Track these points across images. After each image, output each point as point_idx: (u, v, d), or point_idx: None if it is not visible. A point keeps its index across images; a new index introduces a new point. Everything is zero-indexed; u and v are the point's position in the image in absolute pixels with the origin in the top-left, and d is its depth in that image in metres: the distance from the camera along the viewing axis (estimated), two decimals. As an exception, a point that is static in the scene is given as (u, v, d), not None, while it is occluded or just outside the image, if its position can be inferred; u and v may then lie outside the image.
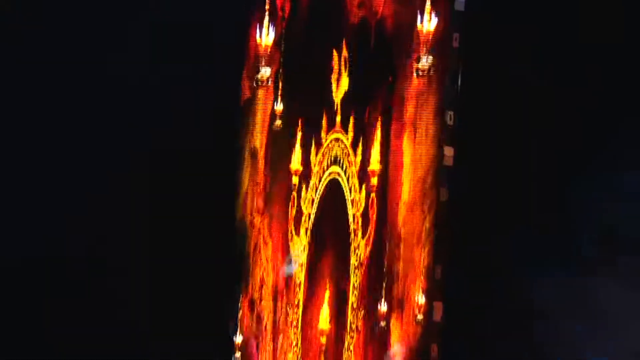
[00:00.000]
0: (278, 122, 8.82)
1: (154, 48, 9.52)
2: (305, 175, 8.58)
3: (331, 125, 8.40)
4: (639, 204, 7.12)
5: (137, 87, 9.50)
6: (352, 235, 8.11)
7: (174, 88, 9.31)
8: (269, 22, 8.91)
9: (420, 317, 7.44)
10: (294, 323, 8.53)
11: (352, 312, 8.07)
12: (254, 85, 9.02)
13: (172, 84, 9.29)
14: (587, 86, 7.40)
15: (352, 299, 8.08)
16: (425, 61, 7.57)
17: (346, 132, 8.26)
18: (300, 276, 8.59)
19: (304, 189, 8.60)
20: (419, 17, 7.64)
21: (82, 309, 9.97)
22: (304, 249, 8.56)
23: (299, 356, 8.49)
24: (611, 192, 7.24)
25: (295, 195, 8.64)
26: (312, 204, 8.52)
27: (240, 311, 9.00)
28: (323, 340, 8.23)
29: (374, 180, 7.96)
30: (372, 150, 7.99)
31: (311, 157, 8.53)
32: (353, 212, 8.12)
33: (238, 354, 8.92)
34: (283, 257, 8.79)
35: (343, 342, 8.10)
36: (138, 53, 9.66)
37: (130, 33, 9.82)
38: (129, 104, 9.66)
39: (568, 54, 7.57)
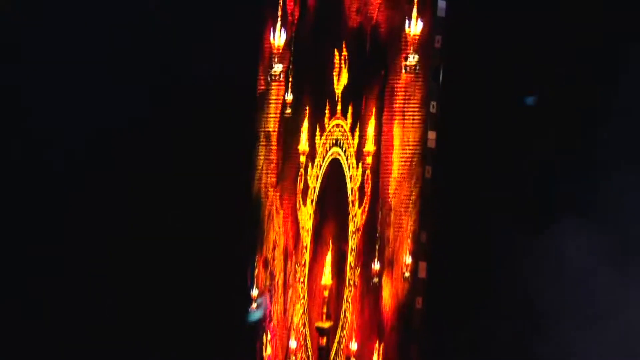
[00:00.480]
0: (288, 110, 9.15)
1: (185, 49, 9.51)
2: (311, 155, 8.92)
3: (333, 113, 8.69)
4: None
5: (175, 78, 9.59)
6: (351, 205, 8.42)
7: (203, 83, 9.39)
8: (280, 26, 9.17)
9: (407, 274, 7.68)
10: (301, 279, 8.89)
11: (350, 270, 8.36)
12: (268, 79, 9.35)
13: (202, 79, 9.37)
14: (554, 84, 7.54)
15: (350, 259, 8.36)
16: (412, 59, 7.81)
17: (346, 118, 8.55)
18: (307, 240, 8.86)
19: (310, 166, 8.94)
20: (407, 22, 7.88)
21: (119, 254, 10.07)
22: (310, 217, 8.87)
23: (305, 307, 8.79)
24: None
25: (303, 172, 8.99)
26: (317, 179, 8.82)
27: (257, 269, 9.41)
28: (326, 293, 8.56)
29: (369, 159, 8.24)
30: (367, 134, 8.32)
31: (316, 140, 8.89)
32: (351, 186, 8.41)
33: (254, 305, 9.30)
34: (292, 225, 9.12)
35: (342, 295, 8.44)
36: (170, 53, 9.68)
37: (160, 35, 9.79)
38: (170, 98, 9.65)
39: (537, 56, 7.61)
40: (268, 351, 9.21)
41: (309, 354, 8.68)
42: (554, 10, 7.52)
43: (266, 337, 9.29)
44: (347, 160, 8.52)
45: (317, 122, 8.94)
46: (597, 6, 7.20)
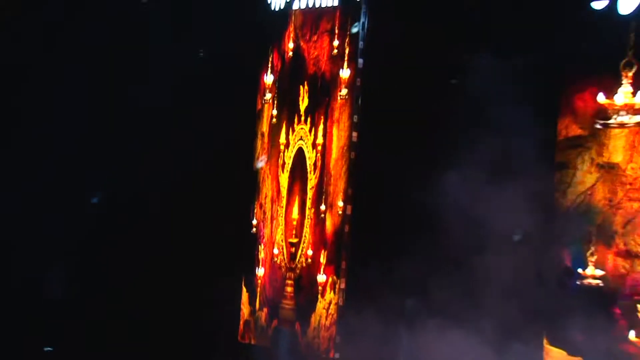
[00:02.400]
0: (274, 120, 9.43)
1: (209, 85, 9.20)
2: (287, 145, 9.25)
3: (299, 122, 9.07)
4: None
5: (200, 103, 9.30)
6: (309, 173, 8.91)
7: (228, 104, 9.18)
8: (270, 72, 9.44)
9: (340, 212, 8.35)
10: (281, 214, 9.23)
11: (308, 210, 8.88)
12: (263, 102, 9.60)
13: (221, 103, 9.15)
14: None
15: (308, 203, 8.90)
16: (344, 92, 8.52)
17: (306, 124, 8.98)
18: (284, 192, 9.18)
19: (286, 151, 9.26)
20: (341, 70, 8.54)
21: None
22: (286, 180, 9.19)
23: (283, 230, 9.14)
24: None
25: (282, 154, 9.29)
26: (290, 158, 9.18)
27: (255, 208, 9.56)
28: (294, 223, 9.01)
29: (319, 148, 8.81)
30: (318, 133, 8.85)
31: (289, 137, 9.21)
32: (309, 163, 8.91)
33: (254, 230, 9.46)
34: (276, 184, 9.36)
35: (304, 224, 8.88)
36: (198, 88, 9.34)
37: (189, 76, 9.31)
38: (204, 116, 9.25)
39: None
40: (262, 255, 9.32)
41: (284, 256, 9.03)
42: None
43: (261, 247, 9.42)
44: (307, 148, 8.98)
45: (290, 126, 9.22)
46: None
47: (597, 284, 7.22)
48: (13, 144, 9.45)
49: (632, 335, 6.95)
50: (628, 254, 7.10)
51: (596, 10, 7.39)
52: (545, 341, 7.40)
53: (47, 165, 9.37)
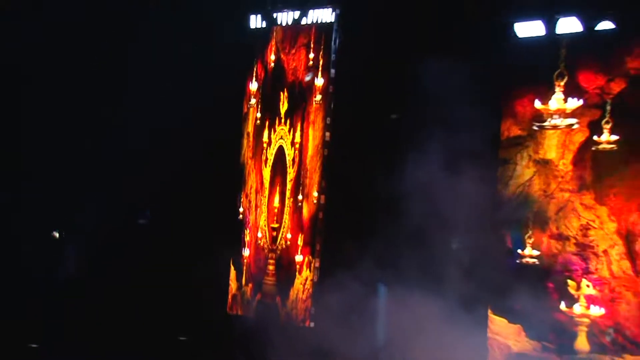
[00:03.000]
0: (258, 122, 9.32)
1: (204, 92, 8.87)
2: (269, 143, 9.14)
3: (279, 123, 9.01)
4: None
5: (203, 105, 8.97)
6: (288, 167, 8.83)
7: (213, 109, 8.90)
8: (254, 79, 9.33)
9: (315, 201, 8.36)
10: (264, 203, 9.14)
11: (287, 199, 8.82)
12: (248, 106, 9.47)
13: (212, 107, 8.88)
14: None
15: (288, 194, 8.83)
16: (319, 98, 8.52)
17: (286, 125, 8.93)
18: (266, 184, 9.09)
19: (268, 148, 9.15)
20: (316, 79, 8.54)
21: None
22: (268, 173, 9.06)
23: (265, 216, 9.05)
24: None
25: (265, 151, 9.19)
26: (272, 155, 9.08)
27: (242, 197, 9.40)
28: (275, 211, 8.94)
29: (297, 146, 8.76)
30: (296, 133, 8.80)
31: (271, 136, 9.12)
32: (288, 159, 8.84)
33: (241, 216, 9.34)
34: (260, 177, 9.20)
35: (284, 211, 8.82)
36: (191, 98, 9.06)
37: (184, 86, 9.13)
38: (187, 118, 9.00)
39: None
40: (247, 238, 9.22)
41: (267, 239, 8.97)
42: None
43: (246, 231, 9.29)
44: (286, 146, 8.90)
45: (272, 127, 9.14)
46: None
47: (534, 262, 7.40)
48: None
49: (562, 305, 7.13)
50: (560, 237, 7.28)
51: (533, 30, 7.59)
52: (489, 311, 7.54)
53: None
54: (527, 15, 7.57)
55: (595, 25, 7.19)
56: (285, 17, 8.90)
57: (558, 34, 7.39)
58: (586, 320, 7.00)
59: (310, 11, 8.58)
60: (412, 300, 6.73)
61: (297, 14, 8.77)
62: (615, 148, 6.99)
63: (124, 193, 9.02)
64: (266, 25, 9.13)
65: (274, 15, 8.99)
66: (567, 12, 7.33)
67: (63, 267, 9.37)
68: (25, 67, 9.29)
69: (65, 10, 9.15)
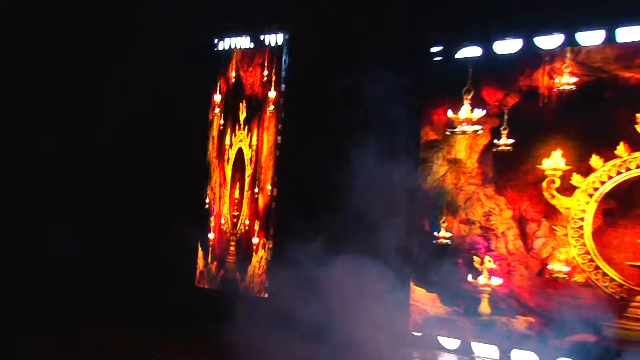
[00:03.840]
0: (221, 127, 9.15)
1: (176, 102, 8.62)
2: (230, 145, 8.99)
3: (239, 129, 8.89)
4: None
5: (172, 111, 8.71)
6: (247, 165, 8.72)
7: (184, 117, 8.76)
8: (218, 92, 9.18)
9: (269, 193, 8.34)
10: (226, 194, 8.99)
11: (246, 192, 8.71)
12: (213, 114, 9.29)
13: (183, 115, 8.73)
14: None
15: (246, 187, 8.72)
16: (272, 107, 8.45)
17: (244, 130, 8.82)
18: (228, 179, 8.94)
19: (229, 149, 9.00)
20: (269, 92, 8.50)
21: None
22: (230, 170, 8.92)
23: (227, 205, 8.92)
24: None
25: (227, 151, 9.03)
26: (233, 155, 8.92)
27: (207, 190, 9.22)
28: (236, 201, 8.82)
29: (254, 147, 8.65)
30: (253, 137, 8.69)
31: (232, 139, 8.98)
32: (246, 158, 8.73)
33: (207, 206, 9.16)
34: (223, 173, 9.03)
35: (242, 201, 8.71)
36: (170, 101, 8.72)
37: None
38: (163, 123, 8.71)
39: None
40: (212, 224, 9.07)
41: (229, 225, 8.84)
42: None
43: (212, 218, 9.15)
44: (245, 147, 8.77)
45: (232, 132, 8.99)
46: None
47: (447, 242, 7.56)
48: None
49: (469, 277, 7.34)
50: (467, 222, 7.47)
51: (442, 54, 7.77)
52: (412, 282, 7.67)
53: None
54: (443, 42, 7.70)
55: (494, 51, 7.45)
56: (243, 41, 8.85)
57: (466, 58, 7.60)
58: (488, 288, 7.22)
59: (264, 36, 8.56)
60: (350, 274, 6.72)
61: (252, 38, 8.76)
62: (511, 149, 7.22)
63: (108, 185, 8.79)
64: (228, 48, 9.00)
65: (235, 39, 8.93)
66: (473, 42, 7.56)
67: (48, 245, 9.05)
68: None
69: (29, 33, 8.75)
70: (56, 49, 8.76)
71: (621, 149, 6.54)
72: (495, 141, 7.31)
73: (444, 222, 7.61)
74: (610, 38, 6.73)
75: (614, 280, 6.52)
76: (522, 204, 7.13)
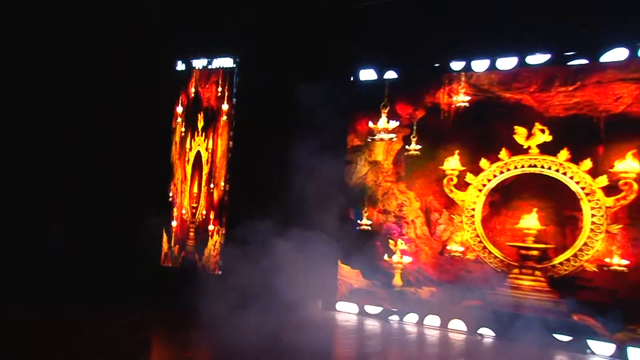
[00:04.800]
0: (182, 134, 8.77)
1: (145, 114, 8.27)
2: (190, 148, 8.67)
3: (198, 135, 8.58)
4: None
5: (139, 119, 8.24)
6: (204, 165, 8.44)
7: (152, 125, 8.47)
8: (180, 104, 8.82)
9: (222, 188, 8.14)
10: (187, 186, 8.68)
11: (203, 187, 8.42)
12: (176, 123, 8.88)
13: (151, 124, 8.39)
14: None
15: (203, 183, 8.43)
16: (225, 117, 8.21)
17: (202, 136, 8.51)
18: (189, 176, 8.63)
19: (189, 152, 8.68)
20: (223, 104, 8.25)
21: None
22: (189, 169, 8.63)
23: (188, 199, 8.63)
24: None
25: (187, 154, 8.69)
26: (192, 157, 8.61)
27: (171, 186, 8.82)
28: (195, 195, 8.53)
29: (210, 150, 8.39)
30: (209, 142, 8.39)
31: (192, 143, 8.66)
32: (204, 159, 8.44)
33: (170, 199, 8.81)
34: (184, 172, 8.71)
35: (200, 195, 8.44)
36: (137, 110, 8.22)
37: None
38: (134, 131, 8.25)
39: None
40: (175, 213, 8.76)
41: (189, 214, 8.57)
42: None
43: (175, 209, 8.77)
44: (202, 151, 8.50)
45: (192, 137, 8.68)
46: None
47: (368, 228, 7.63)
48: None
49: (385, 256, 7.43)
50: (384, 212, 7.56)
51: (369, 75, 7.78)
52: (339, 261, 7.73)
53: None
54: (365, 65, 7.75)
55: (406, 74, 7.54)
56: (201, 63, 8.65)
57: (384, 79, 7.67)
58: (400, 265, 7.34)
59: (219, 59, 8.42)
60: (289, 255, 6.56)
61: (208, 61, 8.58)
62: (419, 153, 7.34)
63: (89, 183, 8.34)
64: (188, 68, 8.78)
65: (194, 61, 8.74)
66: (390, 67, 7.62)
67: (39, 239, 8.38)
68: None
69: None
70: (34, 63, 8.29)
71: (503, 153, 6.77)
72: (407, 147, 7.43)
73: (365, 212, 7.67)
74: (493, 66, 6.95)
75: (497, 257, 6.76)
76: (427, 197, 7.27)
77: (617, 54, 6.21)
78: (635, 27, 5.91)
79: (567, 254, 6.30)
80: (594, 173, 6.24)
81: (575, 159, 6.34)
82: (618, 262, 5.99)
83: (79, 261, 8.03)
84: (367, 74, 7.82)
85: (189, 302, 6.75)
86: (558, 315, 6.27)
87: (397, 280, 7.35)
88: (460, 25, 6.74)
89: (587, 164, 6.27)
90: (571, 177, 6.35)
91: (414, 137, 7.39)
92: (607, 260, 6.07)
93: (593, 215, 6.20)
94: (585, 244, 6.21)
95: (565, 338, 6.22)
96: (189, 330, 6.13)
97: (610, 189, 6.14)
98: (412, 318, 7.24)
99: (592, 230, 6.20)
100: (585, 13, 6.05)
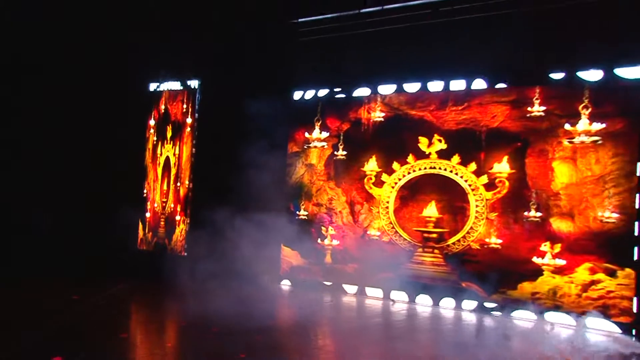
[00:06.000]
0: (154, 142, 8.46)
1: (124, 126, 8.12)
2: (160, 154, 8.36)
3: (167, 143, 8.28)
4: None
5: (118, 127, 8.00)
6: (172, 167, 8.14)
7: (131, 136, 8.36)
8: (153, 118, 8.52)
9: (187, 186, 7.82)
10: (158, 184, 8.37)
11: (171, 185, 8.13)
12: (149, 133, 8.57)
13: (130, 135, 8.32)
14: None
15: (172, 182, 8.13)
16: (189, 129, 7.90)
17: (171, 144, 8.21)
18: (159, 175, 8.35)
19: (160, 156, 8.38)
20: (187, 118, 7.94)
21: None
22: (159, 170, 8.32)
23: (158, 193, 8.32)
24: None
25: (159, 157, 8.39)
26: (162, 160, 8.30)
27: (145, 184, 8.50)
28: (165, 191, 8.24)
29: (177, 155, 8.07)
30: (176, 149, 8.09)
31: (162, 150, 8.34)
32: (172, 163, 8.14)
33: (144, 195, 8.50)
34: (155, 172, 8.41)
35: (169, 191, 8.15)
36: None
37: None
38: (115, 141, 7.97)
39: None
40: (149, 206, 8.45)
41: (160, 207, 8.27)
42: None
43: (148, 202, 8.46)
44: (171, 156, 8.18)
45: (162, 146, 8.36)
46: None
47: (305, 218, 7.50)
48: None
49: (319, 240, 7.32)
50: (318, 204, 7.44)
51: (307, 95, 7.64)
52: (282, 244, 7.57)
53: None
54: (303, 88, 7.61)
55: (335, 95, 7.44)
56: (170, 85, 8.32)
57: (318, 97, 7.55)
58: (330, 247, 7.26)
59: (184, 82, 8.13)
60: (241, 240, 6.38)
61: (177, 83, 8.26)
62: (345, 158, 7.29)
63: (80, 182, 7.89)
64: (159, 89, 8.43)
65: (164, 84, 8.42)
66: (321, 87, 7.50)
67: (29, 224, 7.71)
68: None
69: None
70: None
71: (410, 158, 6.80)
72: (335, 152, 7.38)
73: (302, 205, 7.57)
74: (400, 89, 6.98)
75: (406, 239, 6.78)
76: (351, 192, 7.23)
77: (490, 82, 6.38)
78: (496, 65, 6.10)
79: (458, 236, 6.37)
80: (477, 173, 6.33)
81: (464, 162, 6.41)
82: (495, 241, 6.12)
83: (69, 244, 7.64)
84: (305, 95, 7.73)
85: (160, 277, 6.64)
86: (451, 282, 6.36)
87: (328, 259, 7.28)
88: (375, 58, 6.82)
89: (473, 166, 6.34)
90: (461, 177, 6.41)
91: (340, 144, 7.33)
92: (487, 240, 6.18)
93: (477, 206, 6.29)
94: (471, 228, 6.29)
95: (456, 299, 6.34)
96: (161, 300, 6.01)
97: (489, 186, 6.24)
98: (339, 288, 7.17)
99: (476, 217, 6.28)
100: (467, 53, 6.16)
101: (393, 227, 6.87)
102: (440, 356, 4.38)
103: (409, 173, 6.80)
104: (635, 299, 5.26)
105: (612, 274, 5.39)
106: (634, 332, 5.25)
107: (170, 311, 5.72)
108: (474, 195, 6.31)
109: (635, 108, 5.37)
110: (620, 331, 5.31)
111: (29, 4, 7.18)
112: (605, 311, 5.39)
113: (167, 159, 8.33)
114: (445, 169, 6.52)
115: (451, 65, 6.36)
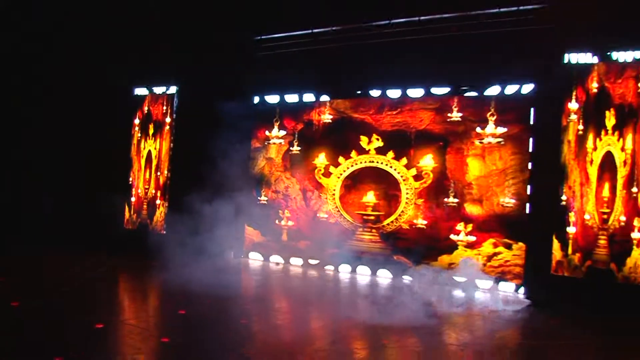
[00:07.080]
0: (139, 138, 7.75)
1: (114, 125, 7.64)
2: (144, 149, 7.71)
3: (150, 138, 7.66)
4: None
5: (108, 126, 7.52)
6: (154, 159, 7.59)
7: (118, 133, 7.75)
8: (137, 118, 7.81)
9: (166, 175, 7.39)
10: (141, 173, 7.75)
11: (153, 174, 7.57)
12: (134, 130, 7.82)
13: (117, 135, 7.74)
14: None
15: (153, 171, 7.58)
16: (168, 127, 7.42)
17: (152, 139, 7.62)
18: (142, 167, 7.74)
19: (143, 150, 7.76)
20: (167, 118, 7.45)
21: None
22: (143, 162, 7.72)
23: (142, 183, 7.73)
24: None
25: (142, 151, 7.75)
26: (145, 155, 7.68)
27: (130, 174, 7.83)
28: (147, 180, 7.66)
29: (158, 149, 7.54)
30: (156, 143, 7.53)
31: (145, 144, 7.70)
32: (153, 155, 7.58)
33: (130, 182, 7.81)
34: (139, 164, 7.78)
35: (151, 179, 7.63)
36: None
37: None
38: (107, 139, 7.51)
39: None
40: (133, 192, 7.78)
41: (144, 193, 7.68)
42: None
43: (134, 189, 7.76)
44: (153, 149, 7.61)
45: (145, 141, 7.69)
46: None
47: (265, 202, 7.20)
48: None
49: (277, 221, 7.03)
50: (276, 191, 7.16)
51: (270, 100, 7.32)
52: (246, 224, 7.27)
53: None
54: (264, 93, 7.28)
55: (288, 99, 7.14)
56: (152, 89, 7.77)
57: (275, 102, 7.24)
58: (286, 227, 7.01)
59: (164, 87, 7.63)
60: (212, 221, 6.06)
61: (161, 88, 7.70)
62: (299, 153, 7.04)
63: (76, 173, 7.47)
64: (144, 93, 7.83)
65: (147, 88, 7.84)
66: (277, 93, 7.18)
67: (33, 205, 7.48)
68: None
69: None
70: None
71: (353, 153, 6.63)
72: (291, 148, 7.10)
73: (263, 191, 7.27)
74: (346, 96, 6.78)
75: (349, 221, 6.61)
76: (304, 182, 6.99)
77: (418, 92, 6.28)
78: (430, 74, 6.02)
79: (392, 218, 6.28)
80: (408, 167, 6.23)
81: (397, 158, 6.30)
82: (421, 222, 6.07)
83: (66, 224, 7.28)
84: (266, 99, 7.41)
85: (143, 253, 6.38)
86: (386, 257, 6.26)
87: (285, 237, 7.04)
88: (325, 69, 6.60)
89: (404, 160, 6.25)
90: (395, 169, 6.30)
91: (295, 141, 7.08)
92: (414, 221, 6.12)
93: (407, 193, 6.21)
94: (402, 211, 6.21)
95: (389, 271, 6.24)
96: (144, 272, 5.90)
97: (417, 177, 6.18)
98: (294, 261, 6.93)
99: (406, 203, 6.20)
100: (401, 68, 6.10)
101: (338, 211, 6.70)
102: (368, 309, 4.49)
103: (352, 166, 6.65)
104: (524, 266, 5.41)
105: (509, 247, 5.51)
106: (521, 290, 5.43)
107: (152, 283, 5.61)
108: (405, 184, 6.23)
109: (527, 117, 5.51)
110: (513, 290, 5.47)
111: (29, 5, 6.77)
112: (502, 276, 5.55)
113: (149, 152, 7.82)
114: (381, 163, 6.39)
115: (387, 77, 6.36)
